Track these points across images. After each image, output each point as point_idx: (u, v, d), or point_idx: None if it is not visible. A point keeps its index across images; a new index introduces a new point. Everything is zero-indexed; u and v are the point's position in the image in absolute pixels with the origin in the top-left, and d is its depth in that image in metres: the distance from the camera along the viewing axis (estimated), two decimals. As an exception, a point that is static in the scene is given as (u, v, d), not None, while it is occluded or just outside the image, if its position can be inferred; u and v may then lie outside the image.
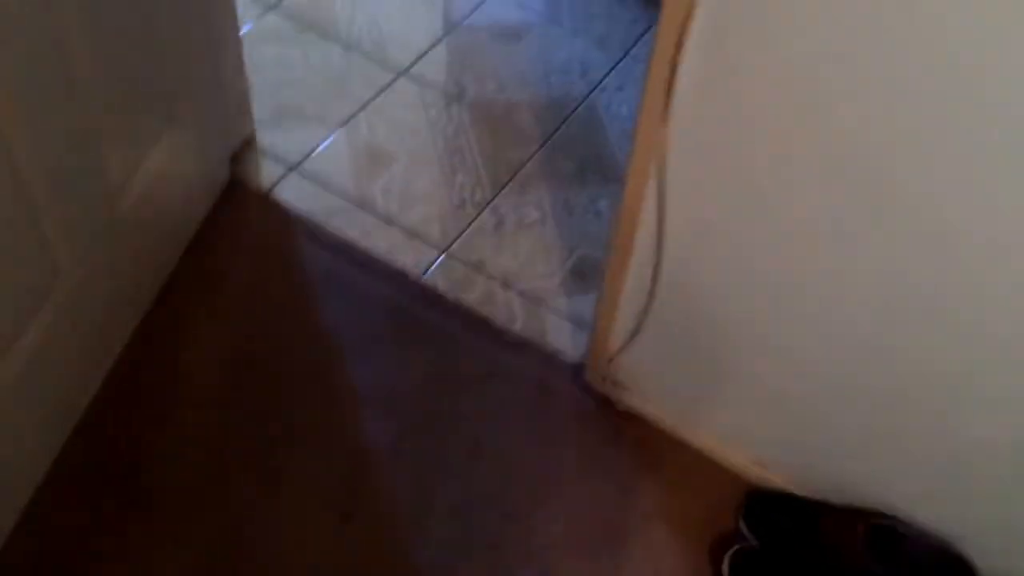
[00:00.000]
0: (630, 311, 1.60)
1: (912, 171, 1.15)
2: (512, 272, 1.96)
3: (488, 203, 2.06)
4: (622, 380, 1.73)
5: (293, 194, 2.05)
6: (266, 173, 2.08)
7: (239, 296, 1.89)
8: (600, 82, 2.33)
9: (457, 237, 2.00)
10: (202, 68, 1.87)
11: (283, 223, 2.01)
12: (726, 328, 1.52)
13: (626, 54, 2.40)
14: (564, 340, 1.87)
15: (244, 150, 2.11)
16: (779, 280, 1.39)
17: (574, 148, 2.19)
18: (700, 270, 1.46)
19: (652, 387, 1.72)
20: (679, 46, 1.21)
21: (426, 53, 2.34)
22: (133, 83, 1.61)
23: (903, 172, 1.16)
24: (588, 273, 1.97)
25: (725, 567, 1.58)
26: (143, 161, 1.71)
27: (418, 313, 1.89)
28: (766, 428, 1.63)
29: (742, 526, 1.64)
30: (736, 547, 1.60)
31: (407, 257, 1.96)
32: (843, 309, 1.36)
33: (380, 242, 1.98)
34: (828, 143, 1.19)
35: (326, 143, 2.14)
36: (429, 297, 1.91)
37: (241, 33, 2.26)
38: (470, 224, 2.03)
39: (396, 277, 1.93)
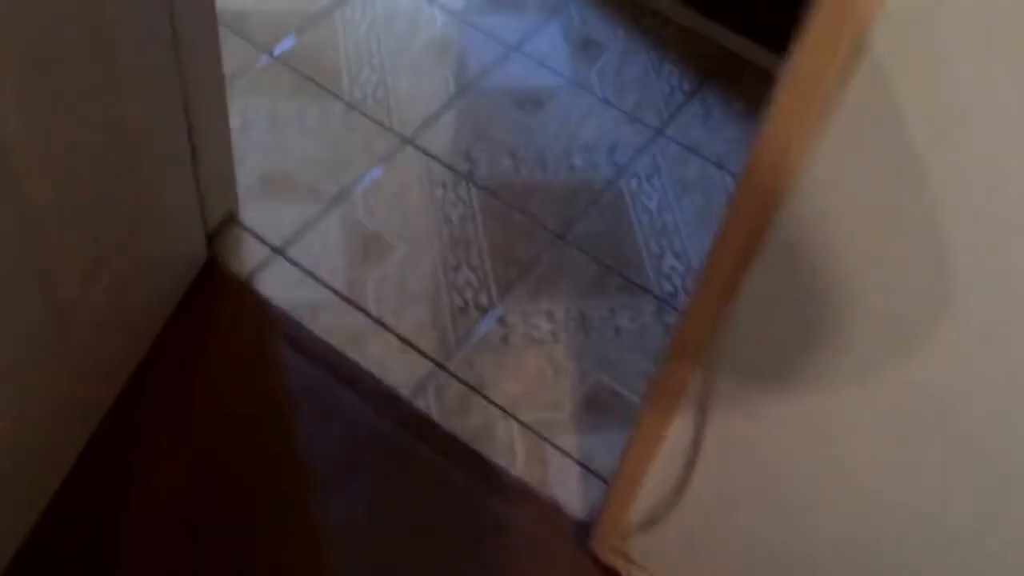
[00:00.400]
0: (656, 489, 1.37)
1: None
2: (515, 398, 1.73)
3: (493, 309, 1.83)
4: (636, 557, 1.50)
5: (276, 282, 1.82)
6: (248, 254, 1.85)
7: (207, 406, 1.67)
8: (629, 165, 2.09)
9: (456, 350, 1.77)
10: (178, 137, 1.63)
11: (263, 319, 1.78)
12: (763, 533, 1.30)
13: (659, 132, 2.15)
14: (570, 488, 1.64)
15: (224, 226, 1.87)
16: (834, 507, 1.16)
17: (595, 246, 1.95)
18: (745, 477, 1.23)
19: (672, 572, 1.49)
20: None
21: (436, 117, 2.10)
22: (93, 162, 1.37)
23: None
24: (602, 405, 1.73)
25: None
26: (103, 256, 1.47)
27: (406, 444, 1.66)
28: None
29: None
30: None
31: (398, 370, 1.73)
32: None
33: (369, 349, 1.75)
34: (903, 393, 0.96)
35: (316, 223, 1.90)
36: (420, 424, 1.68)
37: (231, 83, 2.02)
38: (472, 335, 1.79)
39: (384, 396, 1.70)
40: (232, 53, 2.10)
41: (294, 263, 1.84)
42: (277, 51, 2.15)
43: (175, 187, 1.67)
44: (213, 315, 1.76)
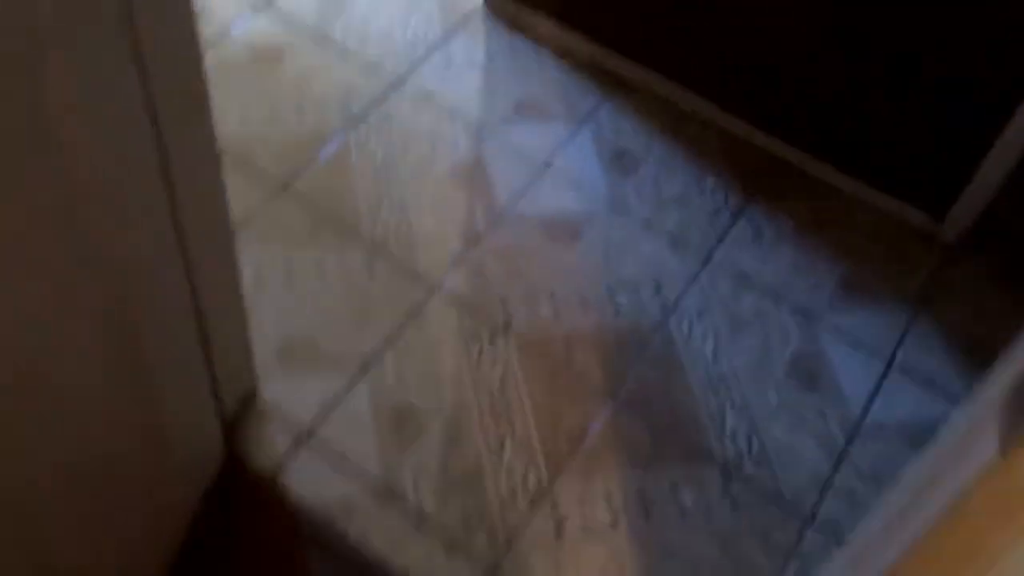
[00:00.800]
0: None
1: None
2: (577, 604, 1.57)
3: (545, 494, 1.66)
4: None
5: (303, 475, 1.65)
6: (270, 444, 1.68)
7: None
8: (677, 302, 1.91)
9: (507, 548, 1.60)
10: (185, 320, 1.44)
11: (290, 523, 1.61)
12: None
13: (708, 258, 1.98)
14: None
15: (243, 412, 1.70)
16: None
17: (649, 404, 1.78)
18: None
19: None
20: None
21: (464, 257, 1.92)
22: (84, 396, 1.20)
23: None
24: (672, 609, 1.57)
25: None
26: (106, 507, 1.30)
27: (460, 675, 1.50)
28: None
29: None
30: None
31: (445, 578, 1.57)
32: None
33: (411, 553, 1.59)
34: None
35: (344, 398, 1.73)
36: (474, 651, 1.52)
37: (240, 232, 1.85)
38: (522, 528, 1.63)
39: (432, 615, 1.54)
40: (238, 194, 1.92)
41: (322, 450, 1.67)
42: (288, 188, 1.97)
43: (186, 382, 1.50)
44: (235, 523, 1.60)
